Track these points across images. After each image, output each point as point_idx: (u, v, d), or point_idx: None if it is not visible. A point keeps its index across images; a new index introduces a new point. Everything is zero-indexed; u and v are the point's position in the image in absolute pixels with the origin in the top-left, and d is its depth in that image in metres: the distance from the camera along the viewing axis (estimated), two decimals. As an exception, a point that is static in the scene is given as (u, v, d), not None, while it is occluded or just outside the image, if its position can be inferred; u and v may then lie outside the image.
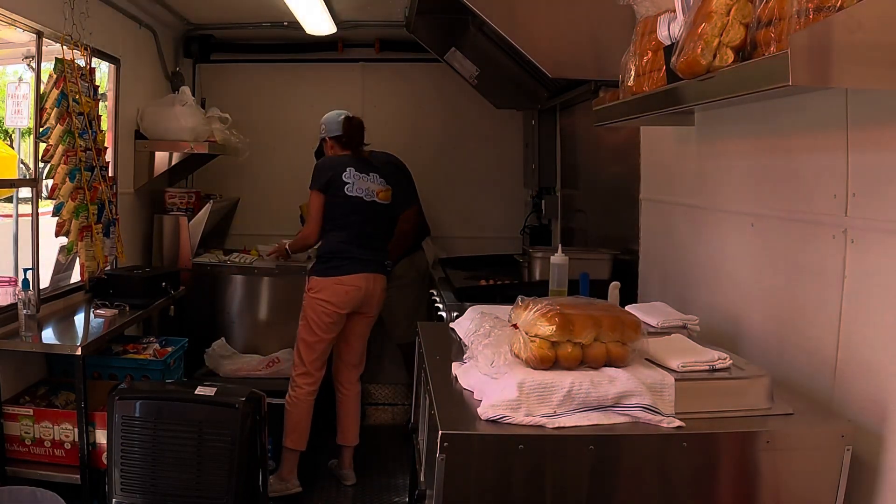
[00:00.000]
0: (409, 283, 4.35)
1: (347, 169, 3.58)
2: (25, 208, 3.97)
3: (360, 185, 3.59)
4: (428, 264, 4.42)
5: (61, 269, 3.55)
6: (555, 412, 1.50)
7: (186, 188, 4.69)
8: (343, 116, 3.71)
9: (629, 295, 2.78)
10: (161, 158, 4.39)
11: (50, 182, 3.33)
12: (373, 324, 3.81)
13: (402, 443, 4.24)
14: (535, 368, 1.58)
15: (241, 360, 4.10)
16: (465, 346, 1.84)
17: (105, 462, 2.83)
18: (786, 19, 1.31)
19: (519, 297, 1.75)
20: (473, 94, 4.50)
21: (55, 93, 3.23)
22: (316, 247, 3.73)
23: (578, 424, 1.49)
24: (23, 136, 5.33)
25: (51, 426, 2.96)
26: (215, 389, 2.80)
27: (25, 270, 3.11)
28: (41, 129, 3.24)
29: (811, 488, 1.51)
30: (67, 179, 3.32)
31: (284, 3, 3.96)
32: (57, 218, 3.33)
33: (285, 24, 4.61)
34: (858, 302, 1.62)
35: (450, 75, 4.46)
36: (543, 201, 4.54)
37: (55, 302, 3.43)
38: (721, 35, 1.48)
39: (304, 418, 3.58)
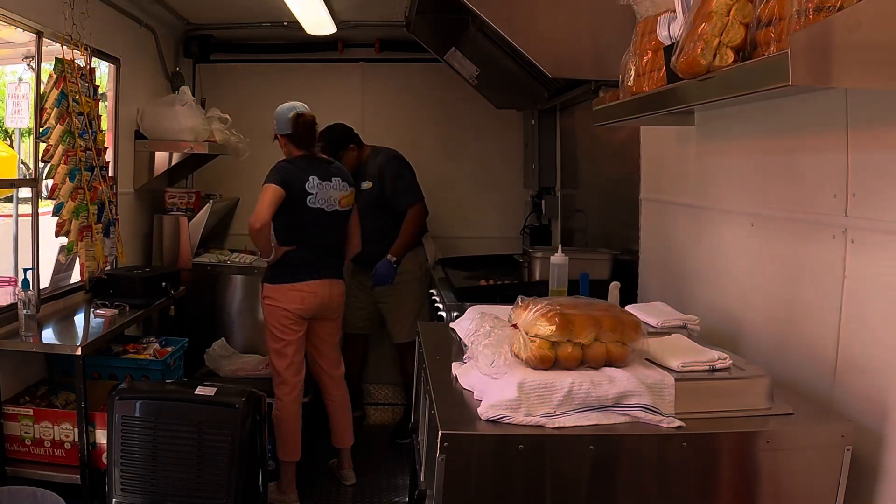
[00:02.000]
0: (413, 280, 4.34)
1: (311, 178, 3.38)
2: (25, 208, 3.96)
3: (322, 195, 3.41)
4: (428, 261, 4.41)
5: (61, 269, 3.55)
6: (555, 412, 1.50)
7: (186, 188, 4.70)
8: (293, 113, 3.41)
9: (629, 295, 2.78)
10: (161, 158, 4.39)
11: (50, 182, 3.33)
12: (339, 327, 3.72)
13: (402, 443, 4.23)
14: (535, 368, 1.58)
15: (241, 360, 4.10)
16: (465, 346, 1.84)
17: (105, 462, 2.83)
18: (786, 19, 1.31)
19: (519, 297, 1.75)
20: (473, 94, 4.49)
21: (55, 93, 3.23)
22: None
23: (578, 424, 1.49)
24: (23, 136, 5.34)
25: (51, 426, 2.96)
26: (215, 389, 2.81)
27: (25, 270, 3.11)
28: (41, 129, 3.24)
29: (811, 488, 1.51)
30: (67, 179, 3.32)
31: (284, 3, 3.96)
32: (57, 218, 3.33)
33: (285, 24, 4.61)
34: (858, 302, 1.62)
35: (450, 75, 4.46)
36: (543, 201, 4.54)
37: (55, 302, 3.43)
38: (721, 35, 1.48)
39: (292, 429, 3.47)
